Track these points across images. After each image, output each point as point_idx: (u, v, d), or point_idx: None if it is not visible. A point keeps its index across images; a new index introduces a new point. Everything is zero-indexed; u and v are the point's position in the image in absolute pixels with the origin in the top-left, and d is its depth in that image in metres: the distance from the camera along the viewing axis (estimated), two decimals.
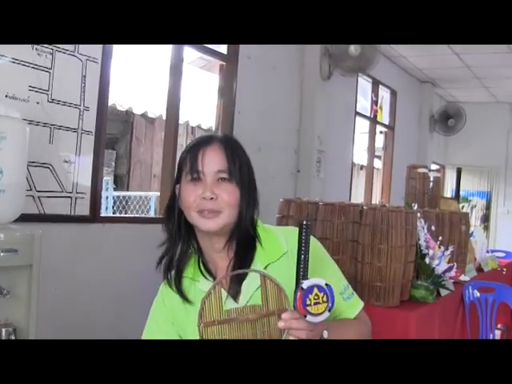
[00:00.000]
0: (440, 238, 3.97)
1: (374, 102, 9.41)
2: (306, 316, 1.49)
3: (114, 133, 8.28)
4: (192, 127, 9.14)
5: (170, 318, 1.92)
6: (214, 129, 6.15)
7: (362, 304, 1.93)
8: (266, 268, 1.78)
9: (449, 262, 3.91)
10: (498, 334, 5.42)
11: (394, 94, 10.10)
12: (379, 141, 9.97)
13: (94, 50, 4.09)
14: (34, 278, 2.87)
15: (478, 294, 4.41)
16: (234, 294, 1.78)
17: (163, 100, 5.36)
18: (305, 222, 1.56)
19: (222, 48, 5.78)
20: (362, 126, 9.40)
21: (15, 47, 3.55)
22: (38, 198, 3.78)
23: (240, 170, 1.81)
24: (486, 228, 12.54)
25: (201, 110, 8.53)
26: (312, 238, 1.71)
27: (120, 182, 8.86)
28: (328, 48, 6.92)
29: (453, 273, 3.88)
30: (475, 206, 12.73)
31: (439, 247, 3.87)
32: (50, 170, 3.84)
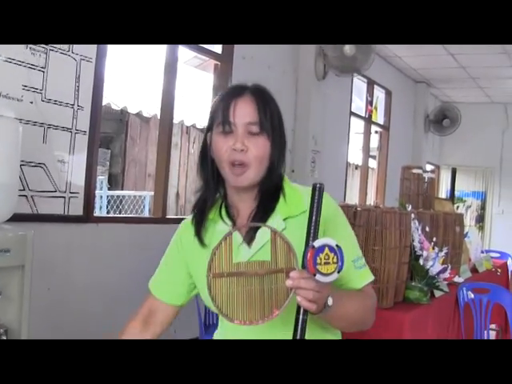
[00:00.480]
0: (434, 239, 3.96)
1: (369, 102, 9.42)
2: (315, 275, 1.48)
3: (108, 132, 8.26)
4: (187, 126, 9.13)
5: (184, 256, 1.93)
6: None
7: (371, 278, 1.90)
8: (284, 220, 1.78)
9: (443, 263, 3.90)
10: (492, 335, 5.43)
11: (388, 94, 10.11)
12: (374, 141, 9.98)
13: (88, 49, 4.08)
14: (26, 278, 2.86)
15: (472, 296, 4.40)
16: (249, 239, 1.79)
17: (158, 99, 5.35)
18: (318, 185, 1.56)
19: (217, 48, 5.78)
20: (357, 125, 9.40)
21: (9, 46, 3.54)
22: (32, 197, 3.77)
23: (271, 122, 1.80)
24: (481, 228, 12.56)
25: (196, 109, 8.52)
26: (333, 201, 1.76)
27: (114, 181, 8.84)
28: (323, 48, 6.91)
29: (447, 274, 3.87)
30: (470, 206, 12.75)
31: (433, 248, 3.86)
32: (43, 170, 3.83)
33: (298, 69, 6.84)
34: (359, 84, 9.12)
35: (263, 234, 1.75)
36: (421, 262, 3.70)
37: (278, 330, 1.70)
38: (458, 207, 10.56)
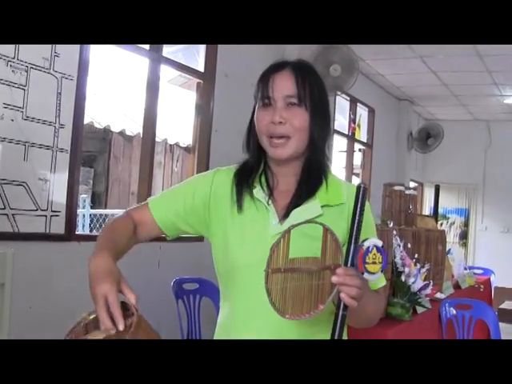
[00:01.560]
0: (416, 255, 3.99)
1: (352, 120, 9.46)
2: (363, 273, 1.53)
3: (91, 150, 8.25)
4: (170, 145, 9.14)
5: (208, 199, 1.93)
6: (191, 147, 6.14)
7: (385, 281, 1.95)
8: (322, 207, 1.81)
9: (425, 280, 3.92)
10: None
11: (372, 111, 10.16)
12: (357, 158, 10.02)
13: (70, 67, 4.07)
14: (6, 296, 2.85)
15: (455, 312, 4.42)
16: (282, 216, 1.82)
17: (141, 118, 5.35)
18: (363, 185, 1.60)
19: (200, 65, 5.78)
20: (340, 144, 9.44)
21: None
22: (12, 215, 3.75)
23: (311, 94, 1.83)
24: (465, 245, 12.63)
25: (179, 127, 8.53)
26: (366, 202, 1.77)
27: (98, 200, 8.82)
28: None
29: (429, 290, 3.89)
30: (453, 223, 12.82)
31: (415, 265, 3.89)
32: (24, 188, 3.81)
33: None
34: (342, 102, 9.16)
35: (296, 217, 1.77)
36: (403, 278, 3.73)
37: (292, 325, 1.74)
38: (441, 224, 10.61)
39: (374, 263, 1.53)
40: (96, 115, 7.10)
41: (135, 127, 7.96)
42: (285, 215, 1.82)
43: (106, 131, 8.28)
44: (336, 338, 1.54)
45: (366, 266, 1.52)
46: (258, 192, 1.86)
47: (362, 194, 1.59)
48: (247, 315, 1.85)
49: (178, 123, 8.46)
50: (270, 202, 1.84)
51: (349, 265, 1.54)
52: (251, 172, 1.91)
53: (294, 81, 1.83)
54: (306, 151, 1.87)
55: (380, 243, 1.55)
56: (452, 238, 12.46)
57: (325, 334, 1.67)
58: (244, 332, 1.85)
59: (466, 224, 12.76)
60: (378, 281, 1.85)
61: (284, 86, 1.83)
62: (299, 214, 1.80)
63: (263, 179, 1.90)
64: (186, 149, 8.90)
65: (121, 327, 1.50)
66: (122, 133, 8.25)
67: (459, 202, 12.79)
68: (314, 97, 1.84)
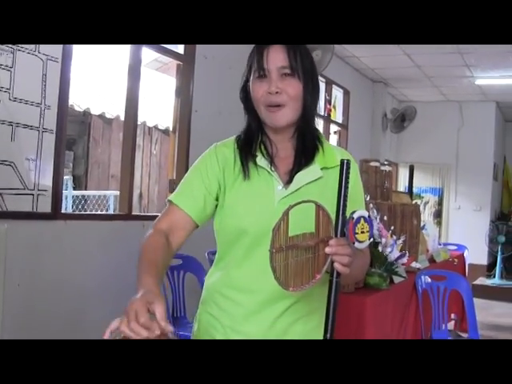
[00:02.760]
0: (392, 227, 4.13)
1: (328, 102, 9.57)
2: (354, 243, 1.65)
3: (71, 134, 8.28)
4: (149, 127, 9.19)
5: (218, 175, 2.02)
6: (171, 128, 6.23)
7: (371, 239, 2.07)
8: (321, 170, 1.95)
9: (401, 251, 4.07)
10: (451, 325, 5.61)
11: (347, 93, 10.28)
12: (333, 140, 10.13)
13: (55, 49, 4.16)
14: (1, 271, 2.95)
15: (430, 280, 4.58)
16: (285, 181, 1.95)
17: (121, 101, 5.42)
18: (346, 160, 1.71)
19: (179, 48, 5.87)
20: (316, 125, 9.51)
21: None
22: (1, 194, 3.84)
23: (302, 65, 1.97)
24: (439, 223, 12.79)
25: (157, 110, 8.59)
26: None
27: (78, 183, 8.86)
28: None
29: (405, 260, 4.04)
30: (428, 202, 12.99)
31: (391, 236, 4.02)
32: (12, 168, 3.91)
33: None
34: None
35: (298, 181, 1.93)
36: (380, 248, 3.87)
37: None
38: (415, 203, 10.77)
39: (363, 232, 1.66)
40: (76, 98, 7.14)
41: (115, 110, 8.00)
42: (288, 180, 1.95)
43: (86, 114, 8.31)
44: (332, 302, 1.67)
45: (356, 235, 1.65)
46: (261, 160, 1.98)
47: (345, 168, 1.70)
48: (250, 276, 1.96)
49: (155, 106, 8.52)
50: (272, 168, 1.97)
51: (339, 235, 1.67)
52: (252, 141, 2.03)
53: (286, 53, 1.96)
54: (300, 118, 2.00)
55: (366, 214, 1.68)
56: (426, 217, 12.61)
57: (320, 292, 1.87)
58: (241, 293, 1.98)
59: (440, 203, 12.92)
60: None
61: (278, 57, 1.96)
62: (301, 177, 1.94)
63: (263, 148, 2.02)
64: (165, 131, 8.97)
65: (162, 323, 1.53)
66: (101, 116, 8.29)
67: (433, 182, 12.94)
68: (306, 67, 1.98)
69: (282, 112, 1.95)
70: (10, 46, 3.82)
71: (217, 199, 2.03)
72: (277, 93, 1.93)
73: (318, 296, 1.95)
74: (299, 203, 1.70)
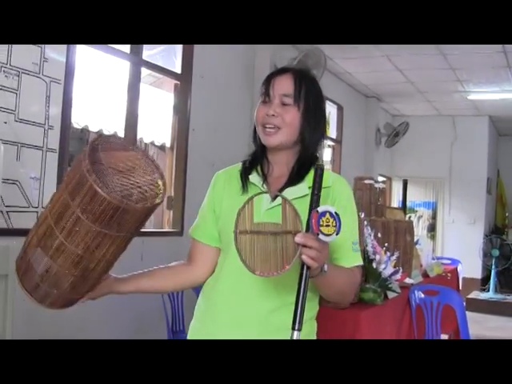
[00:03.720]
0: (386, 244, 4.23)
1: None
2: (318, 234, 1.73)
3: (70, 150, 8.34)
4: (145, 144, 9.26)
5: (214, 203, 2.22)
6: (168, 146, 6.35)
7: (361, 262, 2.17)
8: (309, 188, 2.04)
9: (395, 267, 4.17)
10: (445, 337, 5.70)
11: (340, 109, 10.40)
12: (327, 154, 10.24)
13: (57, 71, 4.28)
14: (11, 286, 3.05)
15: (422, 295, 4.68)
16: (274, 197, 2.07)
17: (119, 118, 5.53)
18: (320, 167, 1.85)
19: (177, 67, 6.01)
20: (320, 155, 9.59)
21: None
22: (7, 212, 3.95)
23: (305, 98, 2.11)
24: (433, 237, 12.87)
25: (152, 126, 8.66)
26: (349, 188, 2.14)
27: None
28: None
29: (399, 276, 4.14)
30: (421, 216, 13.08)
31: (385, 253, 4.13)
32: (17, 186, 4.02)
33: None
34: None
35: (287, 194, 2.02)
36: (374, 265, 3.97)
37: (269, 286, 2.01)
38: (410, 217, 10.87)
39: (328, 226, 1.74)
40: (75, 116, 7.22)
41: (112, 126, 8.07)
42: (275, 196, 2.07)
43: (84, 131, 8.39)
44: (301, 293, 1.77)
45: (321, 228, 1.73)
46: (254, 177, 2.15)
47: (319, 172, 1.84)
48: (235, 278, 2.10)
49: (151, 122, 8.58)
50: (264, 185, 2.13)
51: (310, 231, 1.77)
52: (252, 162, 2.20)
53: (292, 82, 2.12)
54: (296, 145, 2.15)
55: (333, 209, 1.76)
56: (420, 231, 12.72)
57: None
58: (227, 297, 2.13)
59: (434, 216, 13.01)
60: (350, 257, 2.10)
61: (283, 86, 2.12)
62: (288, 193, 2.05)
63: (259, 168, 2.19)
64: (161, 147, 9.04)
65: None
66: (99, 132, 8.37)
67: (427, 196, 13.04)
68: (309, 101, 2.12)
69: (275, 133, 2.09)
70: (15, 69, 3.93)
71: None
72: (273, 115, 2.09)
73: (308, 310, 2.08)
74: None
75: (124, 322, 5.08)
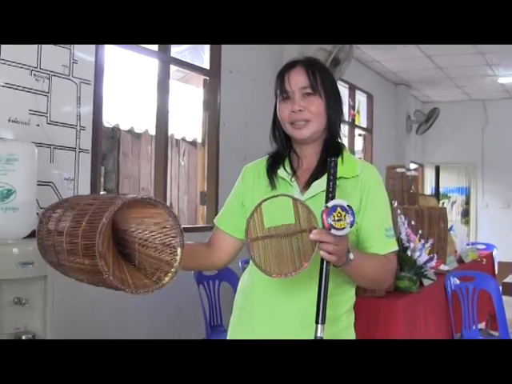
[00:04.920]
0: (420, 231, 4.22)
1: (351, 107, 9.67)
2: (330, 229, 1.74)
3: (101, 149, 8.45)
4: (176, 140, 9.33)
5: (243, 195, 2.25)
6: (199, 141, 6.39)
7: (396, 247, 2.17)
8: (338, 179, 2.01)
9: (429, 254, 4.16)
10: (483, 324, 5.68)
11: (370, 97, 10.38)
12: (359, 143, 10.23)
13: (87, 72, 4.33)
14: (49, 287, 3.11)
15: (458, 282, 4.66)
16: (302, 188, 2.11)
17: (149, 116, 5.57)
18: (333, 159, 1.87)
19: (205, 63, 6.04)
20: (342, 129, 9.56)
21: (15, 74, 3.79)
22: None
23: (323, 84, 2.13)
24: (467, 222, 12.79)
25: (184, 122, 8.71)
26: (378, 175, 2.15)
27: None
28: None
29: (433, 263, 4.13)
30: (455, 201, 13.00)
31: (419, 240, 4.12)
32: (51, 188, 4.07)
33: None
34: (341, 90, 9.31)
35: (315, 188, 2.08)
36: (408, 253, 3.96)
37: (304, 281, 1.99)
38: (443, 203, 10.81)
39: (340, 220, 1.74)
40: (105, 115, 7.29)
41: (143, 124, 8.15)
42: (305, 187, 2.11)
43: (115, 130, 8.48)
44: (323, 287, 1.79)
45: (333, 223, 1.73)
46: (282, 172, 2.17)
47: (333, 165, 1.85)
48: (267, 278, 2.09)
49: (182, 118, 8.63)
50: (293, 179, 2.14)
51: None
52: (278, 158, 2.22)
53: (306, 74, 2.13)
54: (324, 133, 2.17)
55: (344, 203, 1.76)
56: (454, 217, 12.65)
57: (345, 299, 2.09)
58: (263, 294, 2.15)
59: (467, 202, 12.93)
60: (384, 243, 2.11)
61: (298, 79, 2.13)
62: (318, 185, 2.08)
63: (287, 162, 2.20)
64: (192, 143, 9.10)
65: None
66: (130, 131, 8.45)
67: (459, 181, 12.96)
68: (326, 85, 2.14)
69: (305, 126, 2.11)
70: (45, 72, 3.98)
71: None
72: (300, 110, 2.10)
73: (344, 302, 2.14)
74: (273, 197, 1.89)
75: (162, 315, 5.13)
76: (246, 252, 2.28)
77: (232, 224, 2.26)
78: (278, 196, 1.90)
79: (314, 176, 2.12)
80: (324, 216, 1.74)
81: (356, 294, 2.22)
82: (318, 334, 1.80)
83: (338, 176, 2.03)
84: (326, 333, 1.86)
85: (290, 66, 2.18)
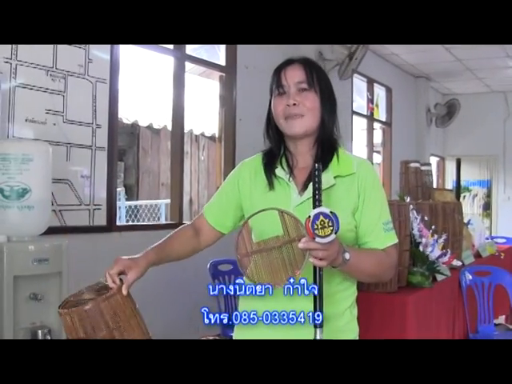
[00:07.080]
0: (433, 226, 4.22)
1: (370, 100, 9.64)
2: (314, 238, 1.76)
3: (121, 145, 8.51)
4: (196, 135, 9.39)
5: (238, 192, 2.25)
6: (217, 136, 6.43)
7: (395, 240, 2.19)
8: (335, 178, 2.09)
9: (442, 249, 4.16)
10: (502, 318, 5.66)
11: (389, 91, 10.35)
12: (378, 137, 10.22)
13: (102, 71, 4.40)
14: (64, 283, 3.19)
15: (471, 277, 4.66)
16: (301, 189, 2.12)
17: (167, 111, 5.63)
18: (316, 165, 1.88)
19: (221, 59, 6.09)
20: (360, 123, 9.57)
21: (31, 74, 3.87)
22: (60, 211, 4.08)
23: (318, 81, 2.14)
24: (488, 215, 12.72)
25: (203, 117, 8.75)
26: (374, 171, 2.18)
27: (130, 192, 9.11)
28: (321, 53, 7.23)
29: (446, 258, 4.13)
30: (476, 194, 12.93)
31: (432, 235, 4.12)
32: (68, 185, 4.15)
33: None
34: (359, 83, 9.32)
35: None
36: (420, 248, 3.97)
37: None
38: (464, 196, 10.76)
39: (324, 227, 1.76)
40: (124, 112, 7.36)
41: (162, 120, 8.20)
42: (303, 188, 2.12)
43: (134, 126, 8.56)
44: (316, 291, 1.83)
45: (316, 231, 1.75)
46: (280, 171, 2.17)
47: (317, 172, 1.87)
48: None
49: (201, 113, 8.67)
50: (290, 178, 2.15)
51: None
52: (274, 156, 2.22)
53: (303, 69, 2.14)
54: (318, 130, 2.17)
55: (327, 210, 1.78)
56: (476, 209, 12.59)
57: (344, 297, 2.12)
58: (263, 298, 2.12)
59: (489, 195, 12.86)
60: (382, 238, 2.13)
61: (295, 74, 2.14)
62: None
63: (283, 160, 2.20)
64: (211, 138, 9.14)
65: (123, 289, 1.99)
66: (149, 126, 8.51)
67: (481, 174, 12.88)
68: (322, 83, 2.16)
69: (299, 121, 2.11)
70: (61, 71, 4.05)
71: (242, 210, 2.26)
72: (294, 105, 2.10)
73: (346, 298, 2.16)
74: (259, 212, 1.90)
75: (179, 311, 5.18)
76: None
77: (218, 219, 2.29)
78: (263, 211, 1.91)
79: (311, 181, 2.12)
80: (307, 225, 1.77)
81: (358, 289, 2.25)
82: (317, 337, 1.84)
83: (334, 175, 2.10)
84: (331, 328, 1.90)
85: (288, 62, 2.19)
